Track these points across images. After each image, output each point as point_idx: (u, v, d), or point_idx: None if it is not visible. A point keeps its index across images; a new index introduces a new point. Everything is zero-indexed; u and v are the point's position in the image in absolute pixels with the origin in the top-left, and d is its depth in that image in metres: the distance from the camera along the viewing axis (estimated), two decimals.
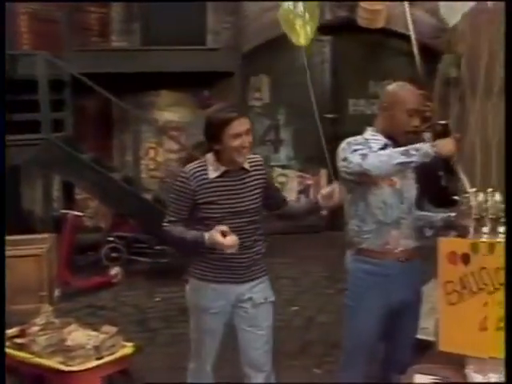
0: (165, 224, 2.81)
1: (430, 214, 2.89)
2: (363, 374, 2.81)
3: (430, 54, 6.79)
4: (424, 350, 2.57)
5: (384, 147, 2.70)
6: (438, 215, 2.84)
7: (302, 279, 6.15)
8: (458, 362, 2.16)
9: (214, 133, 2.70)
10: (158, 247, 6.69)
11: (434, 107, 5.17)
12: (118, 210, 7.00)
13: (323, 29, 7.35)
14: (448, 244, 2.21)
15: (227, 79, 7.47)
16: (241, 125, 2.70)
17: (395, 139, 2.72)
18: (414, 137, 2.72)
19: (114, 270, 6.24)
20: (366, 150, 2.63)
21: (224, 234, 2.62)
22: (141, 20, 7.85)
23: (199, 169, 2.76)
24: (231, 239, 2.61)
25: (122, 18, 7.77)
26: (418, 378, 2.14)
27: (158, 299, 5.73)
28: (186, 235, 2.74)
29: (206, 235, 2.66)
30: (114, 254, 6.68)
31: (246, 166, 2.81)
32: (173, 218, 2.80)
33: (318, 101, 7.72)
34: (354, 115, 8.21)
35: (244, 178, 2.81)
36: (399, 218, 2.73)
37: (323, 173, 8.01)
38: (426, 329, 2.96)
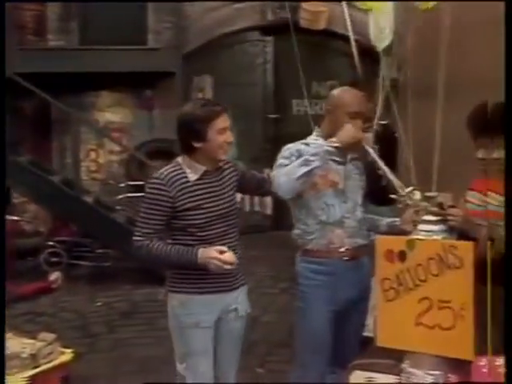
0: (137, 239, 2.57)
1: (376, 217, 2.94)
2: (318, 373, 2.84)
3: (372, 56, 6.92)
4: (367, 346, 2.63)
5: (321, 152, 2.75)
6: (384, 220, 2.91)
7: (247, 279, 6.16)
8: (397, 357, 2.21)
9: (197, 129, 2.56)
10: (99, 251, 6.62)
11: (374, 108, 5.29)
12: (58, 214, 6.88)
13: (265, 29, 7.41)
14: (385, 242, 2.25)
15: (169, 79, 7.43)
16: (225, 119, 2.61)
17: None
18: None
19: (54, 275, 6.14)
20: (283, 169, 2.66)
21: (221, 252, 2.50)
22: (78, 19, 7.72)
23: (175, 173, 2.60)
24: (229, 255, 2.50)
25: (58, 16, 7.62)
26: (357, 373, 2.18)
27: (99, 304, 5.66)
28: (171, 252, 2.55)
29: (199, 253, 2.52)
30: (53, 259, 6.58)
31: (221, 164, 2.72)
32: (147, 231, 2.57)
33: (261, 101, 7.80)
34: (297, 115, 8.31)
35: (221, 178, 2.71)
36: (343, 218, 2.77)
37: (268, 173, 8.06)
38: (368, 325, 3.03)
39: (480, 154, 2.33)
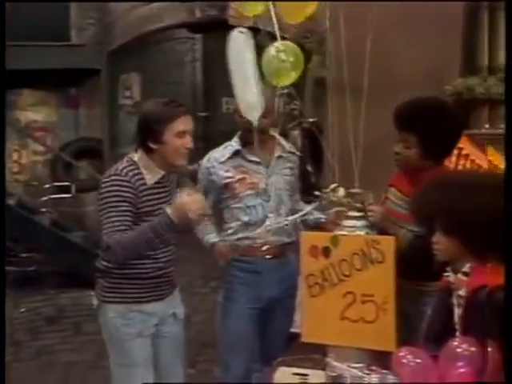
0: (106, 239, 2.41)
1: (304, 211, 2.97)
2: (242, 371, 2.86)
3: (303, 54, 7.02)
4: (295, 342, 2.66)
5: (236, 153, 2.82)
6: (311, 216, 2.92)
7: (178, 279, 6.13)
8: (323, 352, 2.25)
9: (153, 130, 2.42)
10: (24, 255, 6.44)
11: (301, 106, 5.37)
12: None
13: (193, 27, 7.39)
14: (309, 238, 2.29)
15: (94, 77, 7.30)
16: (186, 122, 2.48)
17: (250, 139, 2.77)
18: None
19: None
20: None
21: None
22: None
23: (134, 172, 2.45)
24: (196, 195, 2.39)
25: None
26: (282, 369, 2.21)
27: (23, 310, 5.50)
28: (144, 231, 2.38)
29: (168, 211, 2.35)
30: None
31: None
32: (119, 228, 2.39)
33: (190, 99, 7.77)
34: (227, 114, 8.32)
35: (169, 183, 2.58)
36: (266, 217, 2.78)
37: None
38: (296, 321, 3.07)
39: (395, 148, 2.43)
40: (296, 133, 5.22)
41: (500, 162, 3.20)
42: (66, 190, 7.54)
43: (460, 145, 3.37)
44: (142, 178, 2.46)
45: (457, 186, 1.91)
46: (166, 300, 2.60)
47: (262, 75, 2.49)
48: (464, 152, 3.40)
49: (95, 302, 2.62)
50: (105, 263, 2.51)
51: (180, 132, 2.45)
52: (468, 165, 3.38)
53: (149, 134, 2.44)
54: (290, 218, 2.74)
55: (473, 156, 3.39)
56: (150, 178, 2.48)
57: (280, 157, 2.89)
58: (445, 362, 1.83)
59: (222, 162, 2.83)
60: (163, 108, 2.46)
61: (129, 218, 2.41)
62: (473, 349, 1.80)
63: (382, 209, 2.35)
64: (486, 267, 1.85)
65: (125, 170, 2.44)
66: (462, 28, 3.69)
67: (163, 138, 2.43)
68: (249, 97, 2.47)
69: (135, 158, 2.50)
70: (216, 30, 7.96)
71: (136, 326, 2.51)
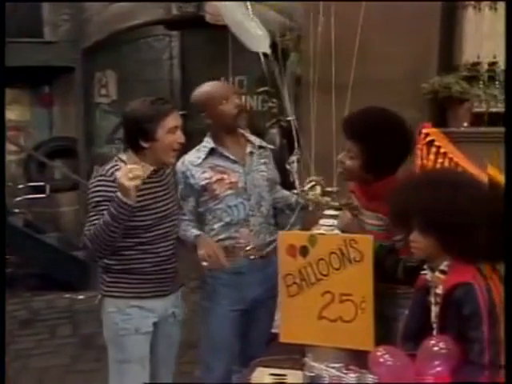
0: (83, 235, 2.48)
1: (286, 194, 2.98)
2: (224, 373, 2.86)
3: (281, 52, 7.04)
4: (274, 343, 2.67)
5: (211, 152, 2.81)
6: (294, 197, 2.93)
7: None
8: (300, 352, 2.27)
9: (145, 128, 2.46)
10: None
11: (280, 104, 5.39)
12: None
13: (170, 24, 7.36)
14: (287, 237, 2.30)
15: (68, 75, 7.23)
16: (176, 118, 2.53)
17: (231, 129, 2.82)
18: (243, 115, 2.85)
19: None
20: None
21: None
22: None
23: None
24: (129, 167, 2.39)
25: None
26: (260, 370, 2.23)
27: None
28: (105, 217, 2.40)
29: (118, 194, 2.37)
30: None
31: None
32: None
33: (168, 97, 7.72)
34: None
35: (166, 176, 2.67)
36: (247, 216, 2.80)
37: None
38: (276, 321, 3.07)
39: (339, 156, 2.44)
40: (274, 131, 5.25)
41: (500, 178, 3.16)
42: (40, 190, 7.49)
43: (438, 143, 3.42)
44: None
45: (432, 184, 1.93)
46: (167, 298, 2.64)
47: None
48: (442, 150, 3.43)
49: (97, 297, 2.67)
50: (106, 260, 2.57)
51: (172, 128, 2.50)
52: (446, 163, 3.41)
53: (140, 133, 2.48)
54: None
55: (451, 154, 3.42)
56: None
57: (252, 153, 2.90)
58: (421, 361, 1.86)
59: (197, 165, 2.81)
60: (152, 106, 2.49)
61: None
62: (449, 347, 1.83)
63: (349, 214, 2.33)
64: (463, 265, 1.88)
65: (111, 170, 2.49)
66: (439, 25, 3.73)
67: (156, 135, 2.48)
68: (253, 31, 2.53)
69: (124, 158, 2.56)
70: (193, 26, 7.95)
71: (133, 322, 2.56)
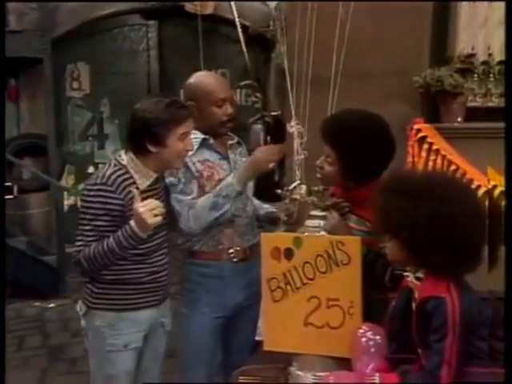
0: (75, 254, 2.44)
1: (257, 206, 2.99)
2: (205, 381, 2.86)
3: (265, 43, 7.06)
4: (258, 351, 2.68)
5: (202, 143, 2.77)
6: (263, 209, 2.98)
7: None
8: (285, 361, 2.28)
9: (156, 133, 2.42)
10: None
11: (264, 98, 5.41)
12: None
13: (147, 13, 7.35)
14: (271, 239, 2.30)
15: (36, 67, 7.16)
16: (190, 125, 2.50)
17: (213, 132, 2.80)
18: (230, 125, 2.81)
19: None
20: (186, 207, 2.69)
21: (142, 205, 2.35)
22: None
23: (123, 177, 2.46)
24: (151, 201, 2.38)
25: None
26: (242, 380, 2.24)
27: None
28: (109, 244, 2.40)
29: (132, 224, 2.36)
30: None
31: None
32: (91, 244, 2.43)
33: (146, 91, 7.72)
34: None
35: (160, 184, 2.64)
36: (233, 216, 2.78)
37: None
38: (259, 328, 3.08)
39: (317, 161, 2.44)
40: (258, 127, 5.26)
41: (500, 182, 3.15)
42: (7, 191, 7.44)
43: (430, 140, 3.46)
44: (134, 183, 2.47)
45: (398, 190, 1.94)
46: (159, 307, 2.65)
47: None
48: (434, 147, 3.47)
49: (80, 308, 2.64)
50: None
51: (183, 134, 2.47)
52: (439, 161, 3.44)
53: (149, 136, 2.43)
54: None
55: (444, 152, 3.45)
56: (143, 181, 2.50)
57: (232, 148, 2.90)
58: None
59: (191, 155, 2.71)
60: (167, 109, 2.43)
61: (106, 234, 2.42)
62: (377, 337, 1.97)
63: (337, 215, 2.33)
64: (434, 277, 1.91)
65: (113, 177, 2.44)
66: (432, 14, 3.76)
67: (166, 141, 2.44)
68: None
69: (124, 162, 2.50)
70: (172, 16, 7.95)
71: (123, 337, 2.55)
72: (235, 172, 2.72)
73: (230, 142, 2.91)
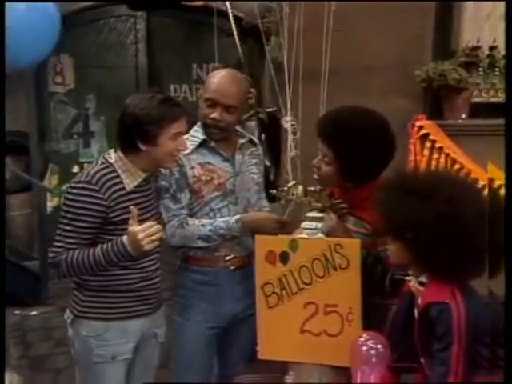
0: (56, 251, 2.43)
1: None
2: None
3: (260, 36, 7.06)
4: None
5: (200, 145, 2.76)
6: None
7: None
8: (281, 370, 2.29)
9: (147, 131, 2.41)
10: None
11: (258, 94, 5.41)
12: None
13: (135, 3, 7.33)
14: (266, 242, 2.32)
15: None
16: (183, 124, 2.49)
17: (209, 132, 2.78)
18: (215, 131, 2.75)
19: None
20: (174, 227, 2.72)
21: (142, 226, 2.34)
22: None
23: (109, 176, 2.44)
24: (151, 224, 2.35)
25: None
26: None
27: None
28: (95, 255, 2.39)
29: (124, 240, 2.35)
30: None
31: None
32: (71, 246, 2.41)
33: (133, 86, 7.70)
34: None
35: (150, 186, 2.62)
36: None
37: None
38: None
39: (314, 161, 2.46)
40: (252, 124, 5.26)
41: (501, 179, 3.19)
42: None
43: (433, 137, 3.47)
44: (120, 183, 2.46)
45: (402, 189, 1.96)
46: (151, 316, 2.64)
47: None
48: (438, 145, 3.48)
49: (68, 316, 2.63)
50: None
51: (176, 134, 2.46)
52: (442, 159, 3.45)
53: (140, 134, 2.42)
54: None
55: (447, 149, 3.46)
56: (130, 181, 2.49)
57: (242, 149, 2.86)
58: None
59: (187, 154, 2.71)
60: (160, 107, 2.43)
61: (86, 236, 2.43)
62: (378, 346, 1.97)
63: (334, 217, 2.34)
64: (442, 281, 1.92)
65: (97, 175, 2.43)
66: (435, 5, 3.77)
67: (158, 140, 2.43)
68: None
69: (111, 160, 2.50)
70: (161, 7, 7.94)
71: (111, 348, 2.54)
72: (240, 217, 2.71)
73: (241, 140, 2.87)
